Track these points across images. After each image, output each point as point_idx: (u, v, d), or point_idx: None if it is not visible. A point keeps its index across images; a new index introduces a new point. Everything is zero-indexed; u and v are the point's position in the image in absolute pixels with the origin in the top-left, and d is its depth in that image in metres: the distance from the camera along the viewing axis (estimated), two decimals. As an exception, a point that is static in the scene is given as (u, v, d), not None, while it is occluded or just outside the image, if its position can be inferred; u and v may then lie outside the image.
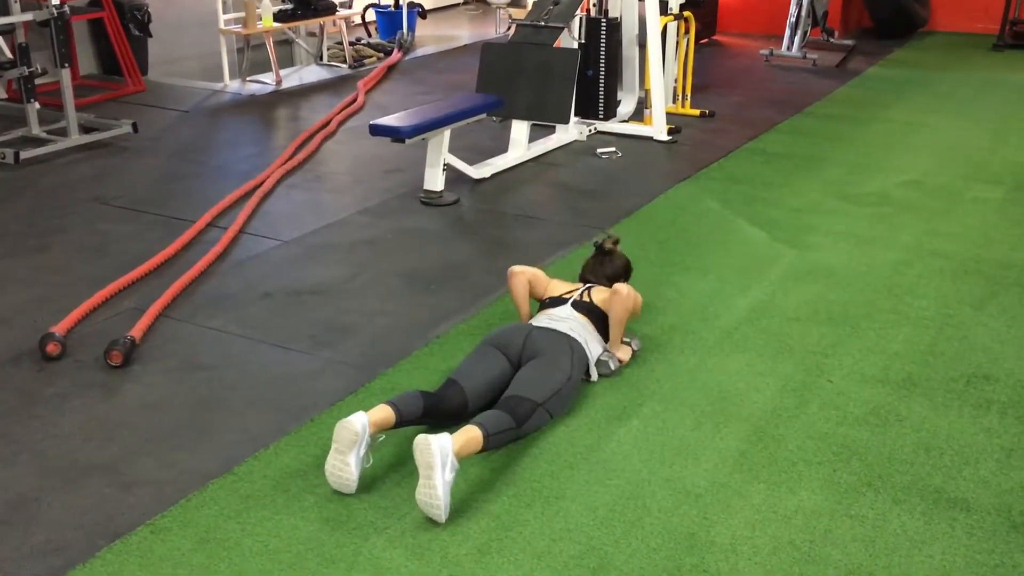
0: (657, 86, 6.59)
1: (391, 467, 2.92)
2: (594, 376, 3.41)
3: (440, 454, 2.66)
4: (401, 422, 2.93)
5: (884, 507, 2.78)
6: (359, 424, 2.79)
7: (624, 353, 3.54)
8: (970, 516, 2.75)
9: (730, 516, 2.74)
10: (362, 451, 2.80)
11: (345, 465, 2.76)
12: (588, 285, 3.62)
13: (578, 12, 6.42)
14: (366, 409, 2.89)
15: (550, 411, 3.10)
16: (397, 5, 10.05)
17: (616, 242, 3.80)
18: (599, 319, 3.47)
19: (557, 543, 2.62)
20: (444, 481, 2.65)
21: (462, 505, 2.76)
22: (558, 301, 3.53)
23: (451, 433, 2.76)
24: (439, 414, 3.03)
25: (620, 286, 3.49)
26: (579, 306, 3.51)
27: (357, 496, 2.79)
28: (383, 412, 2.89)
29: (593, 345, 3.40)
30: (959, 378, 3.49)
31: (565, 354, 3.22)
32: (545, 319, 3.42)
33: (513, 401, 3.01)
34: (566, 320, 3.40)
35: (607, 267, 3.73)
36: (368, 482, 2.84)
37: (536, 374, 3.13)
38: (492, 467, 2.94)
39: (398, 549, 2.58)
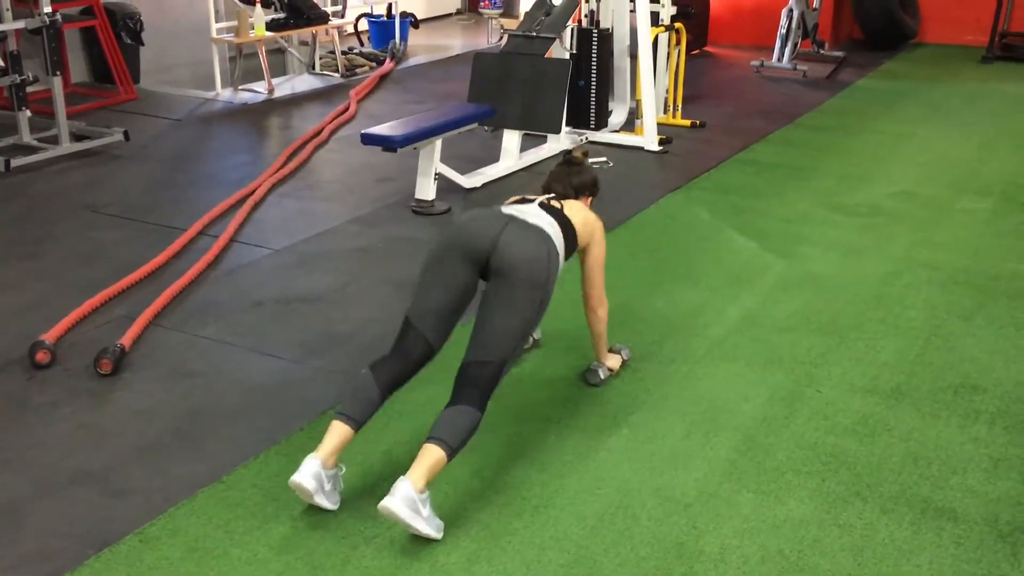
0: (648, 97, 6.61)
1: (381, 476, 2.91)
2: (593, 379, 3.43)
3: (407, 508, 2.56)
4: (363, 424, 2.79)
5: (872, 516, 2.79)
6: (310, 478, 2.66)
7: (614, 362, 3.52)
8: (958, 526, 2.76)
9: (719, 525, 2.74)
10: (328, 487, 2.73)
11: (319, 503, 2.73)
12: (554, 195, 3.32)
13: (570, 23, 6.44)
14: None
15: (509, 363, 2.85)
16: (390, 15, 10.08)
17: (585, 154, 3.62)
18: (567, 229, 3.12)
19: (546, 552, 2.63)
20: (424, 520, 2.61)
21: (451, 514, 2.76)
22: (523, 200, 3.23)
23: (411, 469, 2.62)
24: (404, 380, 2.89)
25: (592, 247, 3.28)
26: (548, 208, 3.16)
27: (346, 505, 2.78)
28: (337, 435, 2.73)
29: (560, 257, 3.05)
30: (947, 388, 3.51)
31: (538, 286, 2.84)
32: (519, 210, 3.06)
33: (473, 374, 2.77)
34: (539, 217, 3.06)
35: (574, 177, 3.48)
36: (357, 491, 2.84)
37: (501, 323, 2.81)
38: (481, 476, 2.94)
39: (387, 558, 2.58)
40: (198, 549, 2.61)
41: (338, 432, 2.74)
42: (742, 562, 2.60)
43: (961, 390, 3.49)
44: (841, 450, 3.11)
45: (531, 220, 3.00)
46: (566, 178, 3.47)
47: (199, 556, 2.59)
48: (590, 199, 3.52)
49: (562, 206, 3.22)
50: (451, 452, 2.66)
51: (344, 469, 2.81)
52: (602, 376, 3.44)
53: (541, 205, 3.18)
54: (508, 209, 3.06)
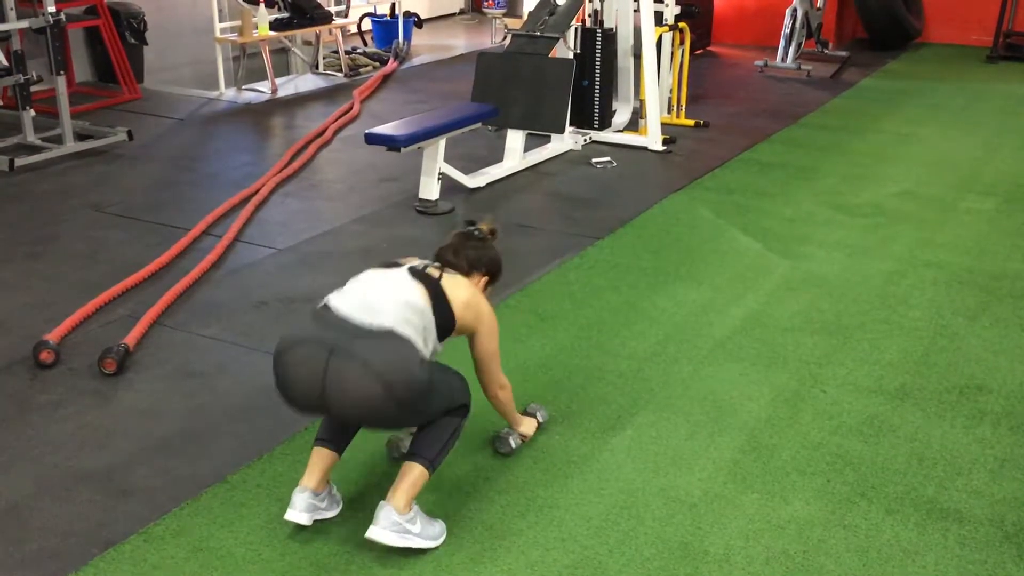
0: (652, 96, 6.61)
1: (384, 475, 2.91)
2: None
3: (393, 533, 2.53)
4: (345, 445, 2.73)
5: (877, 517, 2.79)
6: (304, 514, 2.62)
7: (528, 427, 3.09)
8: (963, 526, 2.75)
9: (724, 526, 2.74)
10: (323, 505, 2.69)
11: (320, 518, 2.71)
12: (442, 264, 2.82)
13: (574, 23, 6.44)
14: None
15: (459, 403, 2.69)
16: (393, 14, 10.07)
17: (493, 231, 2.98)
18: (440, 306, 2.62)
19: (551, 552, 2.62)
20: (417, 535, 2.58)
21: (455, 514, 2.76)
22: (391, 265, 2.72)
23: (391, 490, 2.57)
24: None
25: (478, 338, 2.78)
26: (420, 276, 2.64)
27: (349, 505, 2.78)
28: (321, 461, 2.67)
29: (425, 339, 2.54)
30: (952, 389, 3.50)
31: (391, 414, 2.46)
32: (351, 302, 2.53)
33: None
34: (383, 303, 2.51)
35: (471, 250, 2.88)
36: (362, 491, 2.84)
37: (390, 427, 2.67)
38: (485, 476, 2.94)
39: (391, 558, 2.58)
40: (202, 549, 2.61)
41: (321, 457, 2.67)
42: (747, 563, 2.59)
43: (966, 390, 3.49)
44: (846, 450, 3.11)
45: (363, 323, 2.46)
46: (462, 248, 2.87)
47: (203, 556, 2.59)
48: (485, 280, 2.91)
49: (441, 276, 2.67)
50: (431, 465, 2.60)
51: (335, 488, 2.77)
52: (513, 445, 3.04)
53: (412, 271, 2.65)
54: (342, 302, 2.53)
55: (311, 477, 2.65)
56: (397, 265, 2.69)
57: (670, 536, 2.69)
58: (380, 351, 2.42)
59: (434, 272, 2.69)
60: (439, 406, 2.60)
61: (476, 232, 2.92)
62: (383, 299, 2.53)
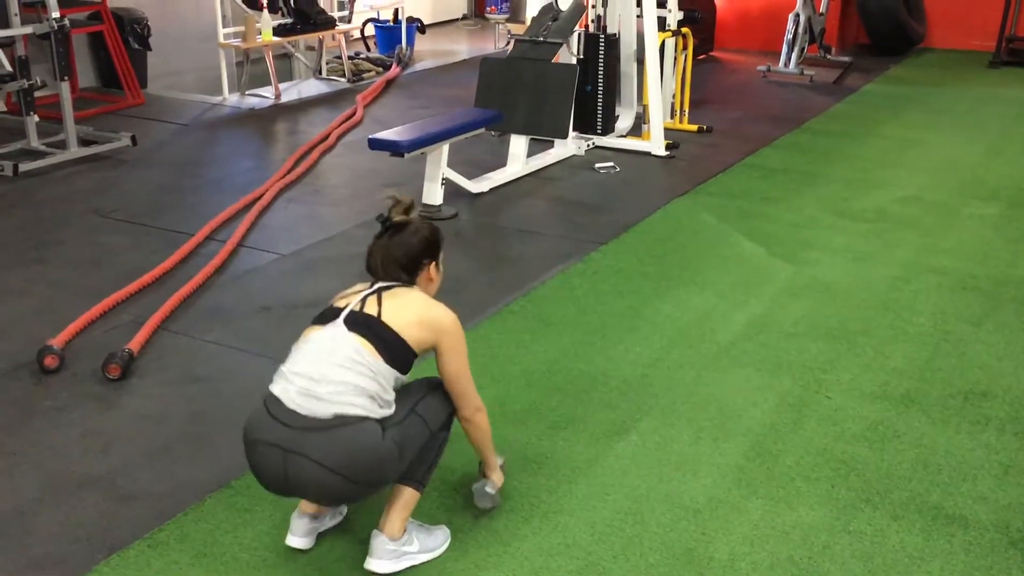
0: (655, 101, 6.61)
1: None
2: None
3: (391, 561, 2.52)
4: None
5: (883, 523, 2.78)
6: (303, 539, 2.61)
7: (499, 475, 2.79)
8: (968, 532, 2.75)
9: (728, 532, 2.74)
10: (325, 518, 2.68)
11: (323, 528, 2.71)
12: (379, 286, 2.52)
13: (577, 28, 6.44)
14: None
15: (439, 424, 2.56)
16: (396, 20, 10.09)
17: (409, 208, 2.59)
18: (389, 346, 2.39)
19: (555, 558, 2.62)
20: (416, 553, 2.57)
21: (459, 520, 2.76)
22: (329, 316, 2.46)
23: (383, 515, 2.55)
24: None
25: (443, 355, 2.50)
26: (357, 323, 2.41)
27: (355, 511, 2.78)
28: None
29: (375, 403, 2.37)
30: (957, 394, 3.50)
31: (355, 490, 2.37)
32: (295, 388, 2.36)
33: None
34: (331, 378, 2.34)
35: (397, 249, 2.53)
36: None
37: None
38: (490, 482, 2.94)
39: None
40: (207, 554, 2.61)
41: None
42: (752, 569, 2.59)
43: (971, 396, 3.48)
44: (851, 456, 3.10)
45: (311, 415, 2.32)
46: (388, 253, 2.53)
47: (208, 561, 2.59)
48: (432, 264, 2.61)
49: (380, 310, 2.42)
50: (420, 485, 2.54)
51: (328, 513, 2.73)
52: (491, 491, 2.75)
53: (349, 321, 2.41)
54: (285, 391, 2.37)
55: (307, 504, 2.62)
56: (336, 315, 2.43)
57: (675, 542, 2.69)
58: (332, 447, 2.30)
59: (372, 308, 2.42)
60: (418, 441, 2.47)
61: (391, 223, 2.56)
62: (326, 374, 2.34)
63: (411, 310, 2.47)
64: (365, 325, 2.40)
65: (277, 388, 2.41)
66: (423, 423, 2.49)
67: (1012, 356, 3.78)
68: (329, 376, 2.35)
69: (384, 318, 2.42)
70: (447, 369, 2.53)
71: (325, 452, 2.30)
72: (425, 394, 2.54)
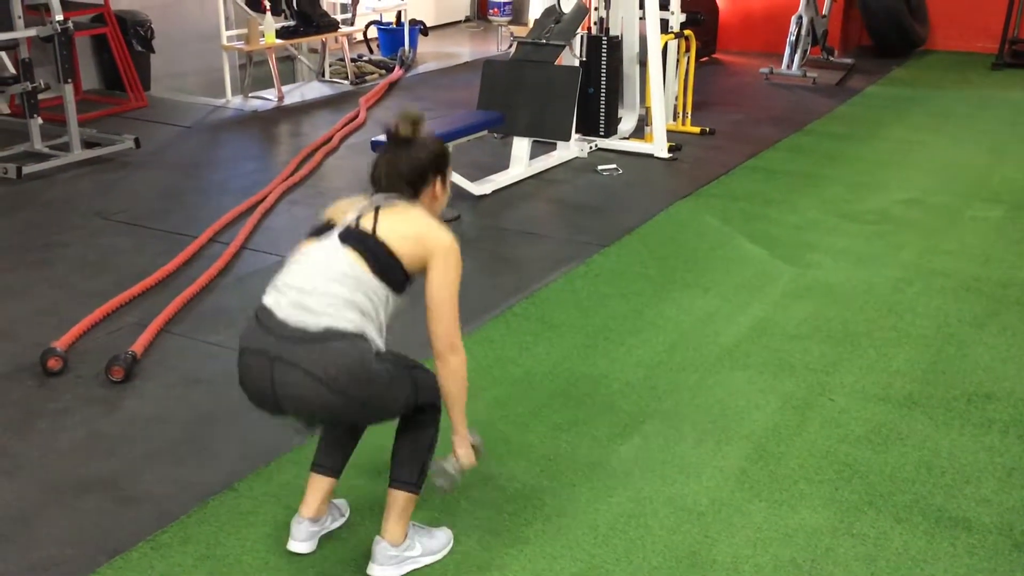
0: (658, 104, 6.61)
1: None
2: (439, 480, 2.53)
3: (394, 567, 2.53)
4: (342, 468, 2.64)
5: (886, 526, 2.78)
6: (305, 544, 2.61)
7: (467, 453, 2.51)
8: (972, 535, 2.74)
9: (732, 534, 2.73)
10: (328, 521, 2.68)
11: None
12: (377, 202, 2.42)
13: (579, 30, 6.44)
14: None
15: (424, 400, 2.47)
16: (399, 22, 10.09)
17: (417, 122, 2.48)
18: (381, 262, 2.33)
19: (558, 561, 2.62)
20: (419, 556, 2.57)
21: (462, 523, 2.76)
22: (324, 230, 2.42)
23: (383, 521, 2.53)
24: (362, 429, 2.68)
25: (432, 270, 2.37)
26: (352, 238, 2.35)
27: (357, 513, 2.78)
28: (319, 489, 2.61)
29: (368, 321, 2.32)
30: (960, 397, 3.49)
31: (343, 406, 2.30)
32: (285, 299, 2.33)
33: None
34: (322, 291, 2.30)
35: (404, 164, 2.45)
36: (370, 499, 2.84)
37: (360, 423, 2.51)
38: (493, 485, 2.94)
39: (399, 566, 2.57)
40: (210, 557, 2.61)
41: (318, 485, 2.62)
42: (755, 571, 2.59)
43: (974, 398, 3.48)
44: (854, 459, 3.10)
45: (299, 326, 2.28)
46: (393, 166, 2.46)
47: (211, 564, 2.59)
48: (438, 179, 2.51)
49: (376, 225, 2.35)
50: (415, 487, 2.51)
51: (337, 503, 2.76)
52: (450, 469, 2.49)
53: (344, 235, 2.36)
54: (276, 303, 2.34)
55: (308, 506, 2.61)
56: (330, 229, 2.40)
57: (678, 544, 2.69)
58: (322, 357, 2.24)
59: (367, 223, 2.35)
60: (403, 395, 2.39)
61: (399, 137, 2.47)
62: (318, 286, 2.30)
63: (408, 226, 2.38)
64: (359, 240, 2.34)
65: (269, 299, 2.36)
66: (413, 387, 2.42)
67: (1015, 358, 3.78)
68: (321, 289, 2.30)
69: (379, 234, 2.34)
70: (431, 290, 2.38)
71: (313, 361, 2.24)
72: (424, 371, 2.48)
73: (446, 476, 2.48)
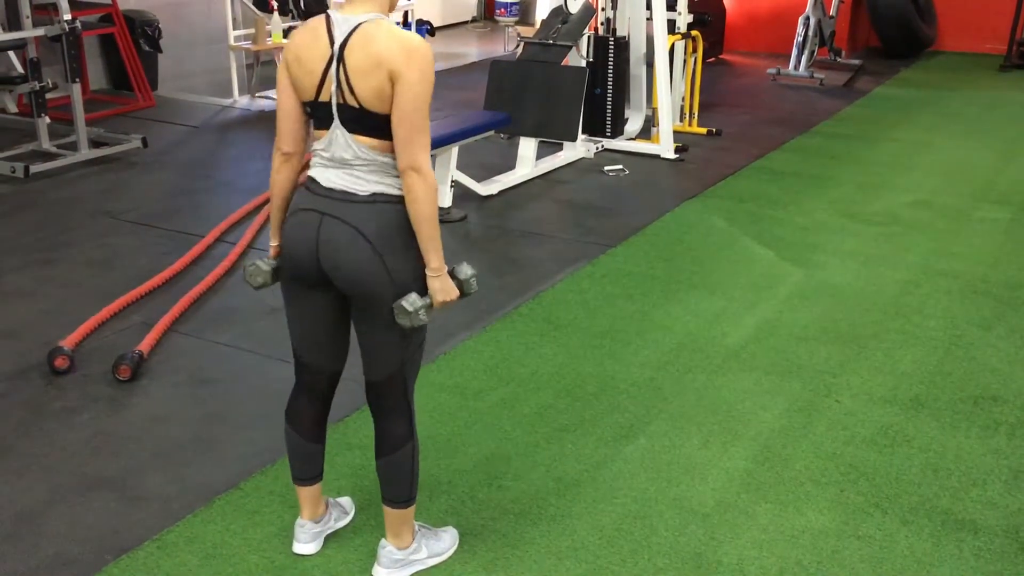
0: (664, 104, 6.61)
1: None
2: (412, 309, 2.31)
3: (400, 569, 2.54)
4: (321, 470, 2.63)
5: (892, 528, 2.77)
6: (310, 545, 2.63)
7: (443, 288, 2.33)
8: (978, 538, 2.74)
9: (737, 536, 2.73)
10: (332, 520, 2.70)
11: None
12: (339, 46, 2.22)
13: (586, 31, 6.44)
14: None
15: (407, 368, 2.44)
16: (406, 22, 10.10)
17: None
18: (375, 126, 2.25)
19: (563, 562, 2.62)
20: (426, 558, 2.58)
21: (468, 523, 2.76)
22: (322, 116, 2.31)
23: (386, 528, 2.54)
24: (326, 411, 2.62)
25: (400, 81, 2.19)
26: (351, 121, 2.26)
27: (363, 513, 2.78)
28: (308, 495, 2.62)
29: (386, 181, 2.29)
30: (967, 399, 3.48)
31: (377, 295, 2.29)
32: (332, 172, 2.32)
33: (375, 399, 2.47)
34: (359, 159, 2.28)
35: None
36: (376, 498, 2.84)
37: (370, 339, 2.40)
38: (498, 485, 2.94)
39: (404, 566, 2.58)
40: (215, 556, 2.62)
41: (306, 493, 2.63)
42: (760, 573, 2.58)
43: (981, 401, 3.47)
44: (860, 461, 3.09)
45: (344, 189, 2.29)
46: None
47: (216, 563, 2.59)
48: None
49: (353, 91, 2.22)
50: (409, 500, 2.51)
51: (339, 500, 2.78)
52: (407, 305, 2.27)
53: (344, 122, 2.26)
54: (324, 177, 2.33)
55: (307, 510, 2.64)
56: (327, 113, 2.28)
57: (683, 546, 2.68)
58: (369, 216, 2.27)
59: (349, 95, 2.22)
60: (411, 333, 2.36)
61: None
62: (359, 156, 2.28)
63: (376, 68, 2.19)
64: (358, 121, 2.26)
65: (315, 171, 2.37)
66: (420, 338, 2.42)
67: (1023, 361, 3.77)
68: (361, 158, 2.28)
69: (364, 103, 2.22)
70: (399, 99, 2.19)
71: (361, 219, 2.27)
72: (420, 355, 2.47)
73: (406, 315, 2.28)
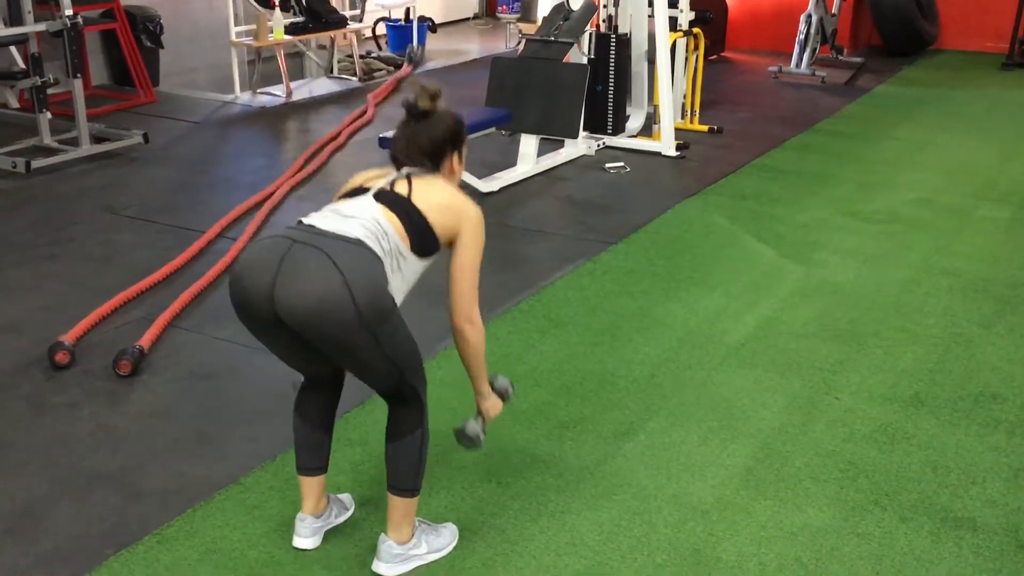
0: (666, 102, 6.60)
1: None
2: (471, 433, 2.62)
3: (399, 564, 2.52)
4: (326, 462, 2.63)
5: (891, 525, 2.78)
6: (310, 539, 2.61)
7: (493, 406, 2.65)
8: (977, 535, 2.74)
9: (736, 533, 2.73)
10: (332, 516, 2.69)
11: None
12: (407, 172, 2.48)
13: (588, 28, 6.44)
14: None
15: (413, 383, 2.43)
16: (407, 19, 10.10)
17: (435, 96, 2.52)
18: (416, 226, 2.37)
19: (563, 557, 2.62)
20: (425, 553, 2.57)
21: (468, 519, 2.76)
22: (358, 191, 2.47)
23: (387, 521, 2.54)
24: (335, 401, 2.64)
25: (460, 241, 2.42)
26: (386, 198, 2.40)
27: (363, 509, 2.79)
28: (312, 487, 2.61)
29: (397, 263, 2.33)
30: (967, 397, 3.49)
31: (352, 330, 2.21)
32: (321, 216, 2.36)
33: (383, 395, 2.47)
34: (354, 217, 2.33)
35: (423, 136, 2.49)
36: (375, 494, 2.84)
37: (357, 371, 2.40)
38: (498, 481, 2.94)
39: (404, 562, 2.58)
40: (215, 551, 2.62)
41: (310, 485, 2.62)
42: (759, 570, 2.59)
43: (981, 399, 3.47)
44: (860, 458, 3.10)
45: (331, 230, 2.28)
46: (414, 139, 2.50)
47: (216, 558, 2.60)
48: (455, 154, 2.57)
49: (411, 190, 2.41)
50: (414, 491, 2.50)
51: (339, 496, 2.77)
52: (470, 433, 2.61)
53: (379, 195, 2.41)
54: (311, 218, 2.36)
55: (308, 504, 2.63)
56: (363, 191, 2.44)
57: (682, 542, 2.69)
58: (346, 251, 2.22)
59: (402, 188, 2.41)
60: (399, 355, 2.33)
61: (417, 110, 2.50)
62: (353, 216, 2.33)
63: (439, 194, 2.43)
64: (395, 202, 2.38)
65: (305, 217, 2.37)
66: (409, 358, 2.37)
67: (1023, 359, 3.77)
68: (357, 220, 2.32)
69: (414, 199, 2.39)
70: (458, 259, 2.45)
71: (337, 250, 2.21)
72: (419, 358, 2.43)
73: (470, 437, 2.60)
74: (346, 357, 2.33)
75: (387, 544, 2.53)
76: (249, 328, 2.40)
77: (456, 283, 2.45)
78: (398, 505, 2.51)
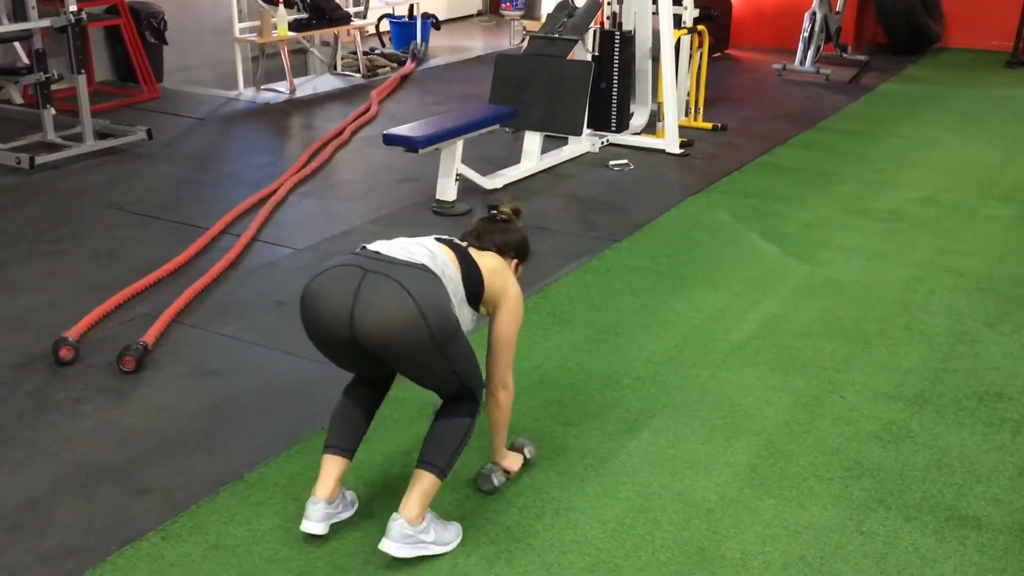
0: (670, 99, 6.60)
1: (401, 476, 2.91)
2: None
3: (406, 546, 2.52)
4: (355, 448, 2.67)
5: (895, 524, 2.77)
6: (320, 525, 2.60)
7: (513, 462, 2.92)
8: (982, 534, 2.74)
9: (740, 531, 2.73)
10: (339, 509, 2.68)
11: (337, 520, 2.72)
12: (474, 241, 2.81)
13: (592, 25, 6.43)
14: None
15: (472, 386, 2.60)
16: (411, 16, 10.09)
17: (516, 211, 2.94)
18: (469, 268, 2.60)
19: (566, 555, 2.62)
20: (432, 543, 2.57)
21: (472, 516, 2.76)
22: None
23: (403, 500, 2.55)
24: (382, 396, 2.75)
25: (501, 311, 2.68)
26: (448, 241, 2.68)
27: (366, 504, 2.79)
28: (333, 469, 2.62)
29: (455, 298, 2.52)
30: (972, 395, 3.48)
31: (424, 349, 2.40)
32: (386, 243, 2.57)
33: (447, 401, 2.63)
34: (419, 247, 2.54)
35: (497, 235, 2.83)
36: (380, 489, 2.85)
37: (425, 383, 2.58)
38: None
39: (408, 559, 2.57)
40: (219, 547, 2.62)
41: (333, 465, 2.63)
42: (763, 568, 2.58)
43: (986, 397, 3.47)
44: (864, 456, 3.09)
45: (398, 257, 2.46)
46: (487, 234, 2.83)
47: (220, 554, 2.60)
48: (515, 263, 2.88)
49: (470, 247, 2.71)
50: (443, 472, 2.55)
51: (348, 491, 2.76)
52: (496, 483, 2.85)
53: (440, 238, 2.67)
54: (374, 245, 2.55)
55: (323, 487, 2.62)
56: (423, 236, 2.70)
57: (686, 540, 2.69)
58: (415, 277, 2.41)
59: (462, 242, 2.71)
60: (462, 366, 2.51)
61: (499, 216, 2.88)
62: (419, 246, 2.55)
63: (493, 260, 2.70)
64: (455, 247, 2.64)
65: (367, 245, 2.57)
66: (471, 356, 2.56)
67: (1028, 358, 3.77)
68: (421, 251, 2.53)
69: (472, 253, 2.65)
70: (498, 329, 2.68)
71: (406, 277, 2.40)
72: (478, 366, 2.62)
73: (490, 483, 2.85)
74: (415, 370, 2.52)
75: (399, 522, 2.53)
76: (317, 346, 2.56)
77: (497, 353, 2.70)
78: (421, 481, 2.53)
